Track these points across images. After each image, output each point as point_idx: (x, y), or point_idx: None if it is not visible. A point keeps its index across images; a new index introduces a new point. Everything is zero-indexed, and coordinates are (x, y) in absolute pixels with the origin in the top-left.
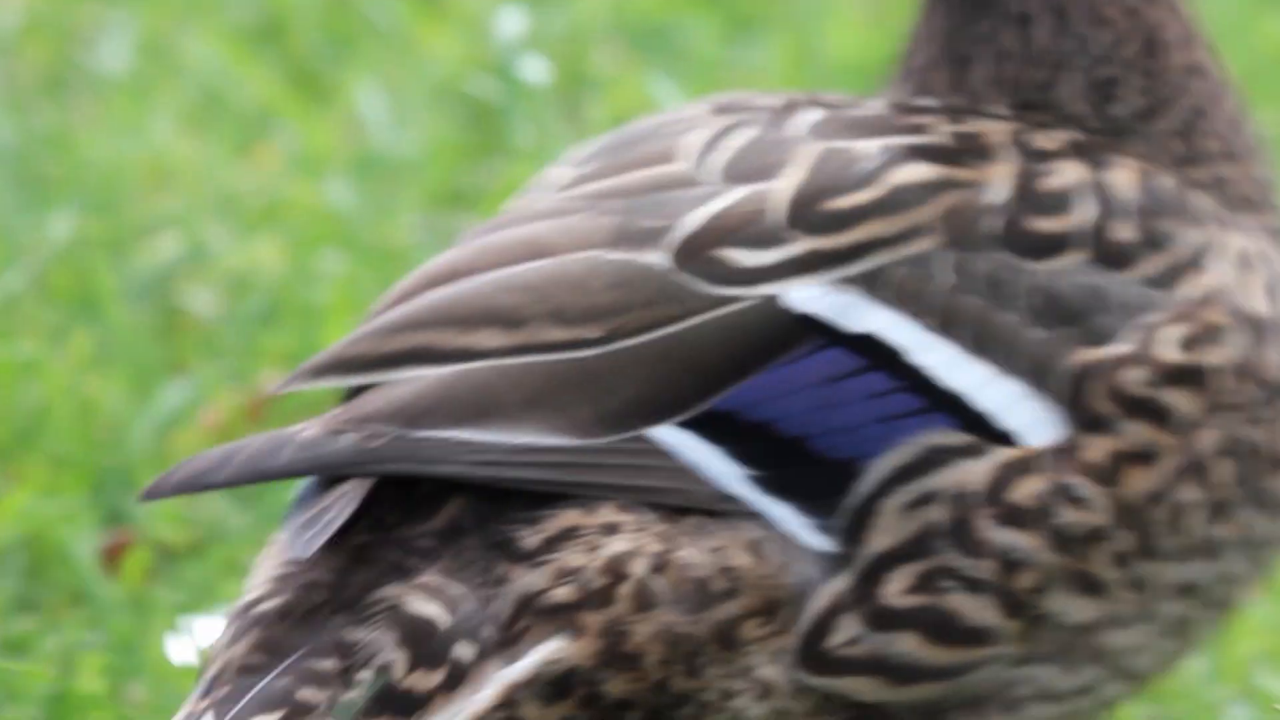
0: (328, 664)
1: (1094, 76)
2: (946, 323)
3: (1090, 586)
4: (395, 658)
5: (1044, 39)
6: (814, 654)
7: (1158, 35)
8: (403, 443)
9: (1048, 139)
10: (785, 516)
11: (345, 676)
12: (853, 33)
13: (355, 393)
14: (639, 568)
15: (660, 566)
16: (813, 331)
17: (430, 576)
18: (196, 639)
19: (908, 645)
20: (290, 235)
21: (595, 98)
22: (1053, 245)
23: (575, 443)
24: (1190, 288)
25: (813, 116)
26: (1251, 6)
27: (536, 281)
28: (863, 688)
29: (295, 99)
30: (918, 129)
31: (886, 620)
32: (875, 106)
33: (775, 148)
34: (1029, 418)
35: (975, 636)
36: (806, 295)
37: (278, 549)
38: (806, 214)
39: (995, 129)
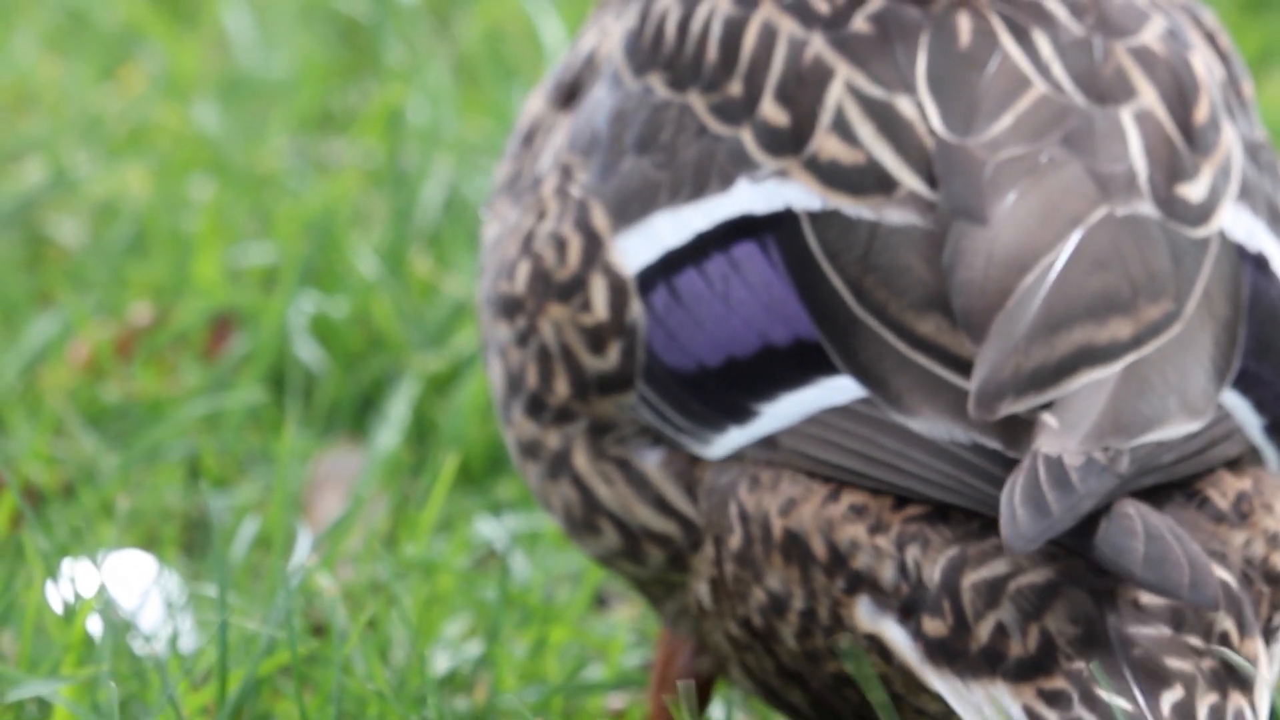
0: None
1: None
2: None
3: None
4: (1228, 627)
5: None
6: None
7: None
8: (1141, 453)
9: None
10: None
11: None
12: None
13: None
14: None
15: None
16: (1246, 263)
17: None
18: (77, 586)
19: None
20: (158, 160)
21: (466, 13)
22: None
23: (1202, 424)
24: None
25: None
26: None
27: (1102, 255)
28: None
29: (161, 19)
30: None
31: None
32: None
33: (1079, 52)
34: None
35: None
36: (1237, 225)
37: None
38: (1194, 136)
39: None
